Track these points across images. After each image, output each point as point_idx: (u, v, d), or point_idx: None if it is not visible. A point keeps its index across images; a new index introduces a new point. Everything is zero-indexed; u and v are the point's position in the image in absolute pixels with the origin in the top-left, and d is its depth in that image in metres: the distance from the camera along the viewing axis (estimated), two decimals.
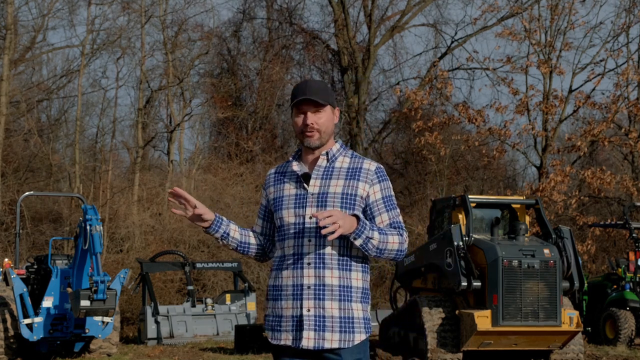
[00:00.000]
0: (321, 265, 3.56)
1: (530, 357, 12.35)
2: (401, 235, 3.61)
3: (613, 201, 24.23)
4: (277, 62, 29.52)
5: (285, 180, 3.72)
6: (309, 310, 3.54)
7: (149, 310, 16.02)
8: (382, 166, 3.73)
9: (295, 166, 3.69)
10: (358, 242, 3.49)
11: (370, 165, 3.67)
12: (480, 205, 12.68)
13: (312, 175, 3.66)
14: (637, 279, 15.26)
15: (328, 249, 3.57)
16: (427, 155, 25.82)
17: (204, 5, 46.86)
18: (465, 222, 12.28)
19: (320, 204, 3.59)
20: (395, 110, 29.67)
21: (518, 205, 12.89)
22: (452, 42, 28.70)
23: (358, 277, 3.62)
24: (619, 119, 24.99)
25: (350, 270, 3.59)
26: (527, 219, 12.94)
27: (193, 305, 16.55)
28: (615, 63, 23.18)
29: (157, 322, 15.96)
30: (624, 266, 15.56)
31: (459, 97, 32.14)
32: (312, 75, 31.26)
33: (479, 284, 11.71)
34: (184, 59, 28.58)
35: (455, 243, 11.84)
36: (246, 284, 17.12)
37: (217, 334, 16.40)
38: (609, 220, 20.86)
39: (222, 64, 31.63)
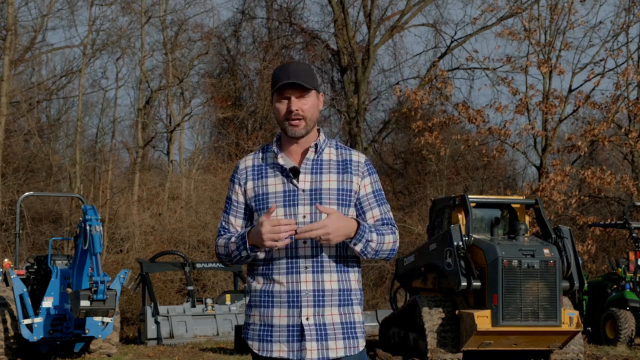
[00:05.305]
0: (319, 269, 3.27)
1: (530, 357, 12.34)
2: (394, 233, 3.37)
3: (613, 201, 24.21)
4: (277, 62, 29.47)
5: (269, 174, 3.35)
6: (307, 319, 3.25)
7: (149, 311, 16.02)
8: (368, 157, 3.47)
9: (280, 159, 3.34)
10: (358, 247, 3.27)
11: (359, 157, 3.40)
12: (480, 205, 12.67)
13: (301, 170, 3.33)
14: (637, 279, 15.25)
15: (325, 251, 3.29)
16: (427, 155, 25.83)
17: (204, 5, 46.99)
18: (465, 222, 12.27)
19: (314, 201, 3.28)
20: (395, 110, 29.66)
21: (518, 205, 12.89)
22: (452, 42, 28.70)
23: (355, 279, 3.38)
24: (619, 119, 24.98)
25: (348, 272, 3.34)
26: (527, 219, 12.93)
27: (193, 306, 16.56)
28: (615, 63, 23.21)
29: (157, 323, 15.96)
30: (624, 266, 15.55)
31: (459, 97, 32.21)
32: None
33: (479, 284, 11.70)
34: (183, 59, 28.60)
35: (455, 243, 11.83)
36: (246, 284, 17.11)
37: (217, 334, 16.40)
38: (609, 220, 20.85)
39: (222, 64, 31.64)
